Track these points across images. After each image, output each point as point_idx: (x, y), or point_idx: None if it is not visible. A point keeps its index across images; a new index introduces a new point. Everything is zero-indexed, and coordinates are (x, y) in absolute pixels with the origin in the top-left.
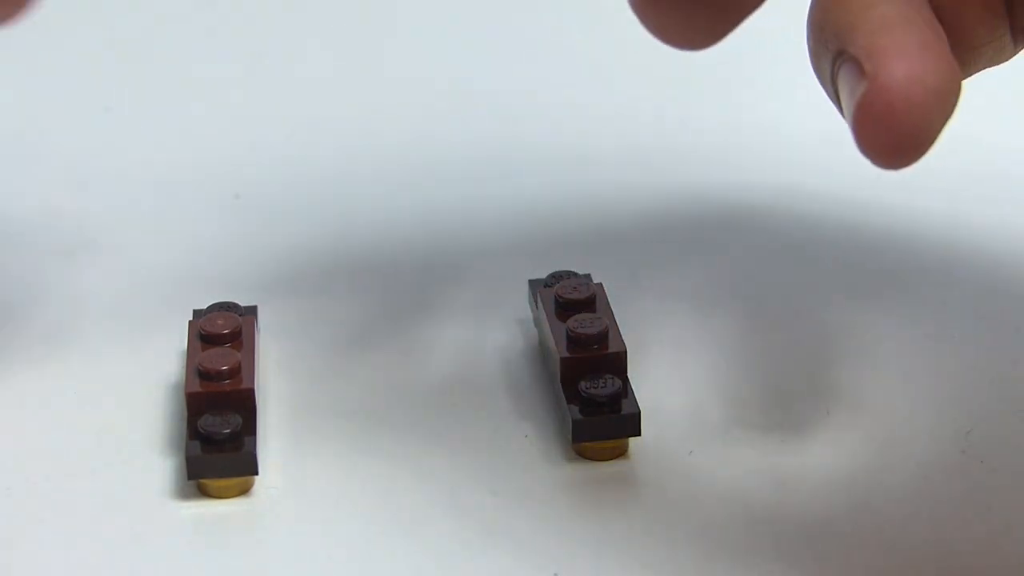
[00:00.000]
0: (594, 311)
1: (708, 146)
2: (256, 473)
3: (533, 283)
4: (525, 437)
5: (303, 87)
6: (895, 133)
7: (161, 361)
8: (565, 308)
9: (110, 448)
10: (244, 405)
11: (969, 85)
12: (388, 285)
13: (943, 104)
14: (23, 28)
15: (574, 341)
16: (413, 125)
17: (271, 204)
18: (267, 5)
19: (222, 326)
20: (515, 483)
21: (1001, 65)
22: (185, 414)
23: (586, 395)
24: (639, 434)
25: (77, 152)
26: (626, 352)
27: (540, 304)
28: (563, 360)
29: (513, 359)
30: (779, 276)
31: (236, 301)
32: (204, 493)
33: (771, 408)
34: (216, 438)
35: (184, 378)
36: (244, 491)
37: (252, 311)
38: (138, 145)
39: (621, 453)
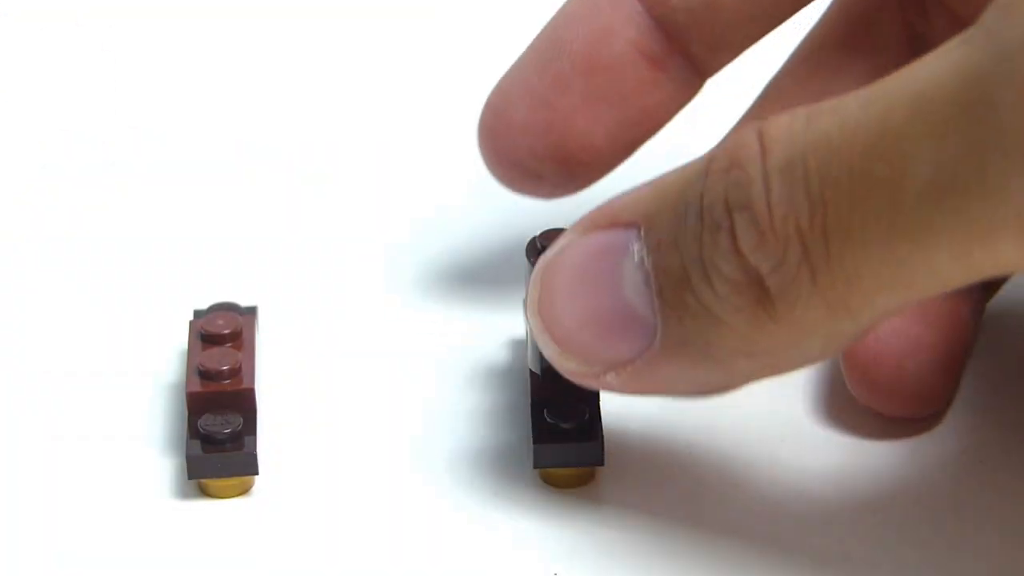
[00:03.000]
0: None
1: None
2: (257, 473)
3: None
4: (527, 436)
5: (303, 87)
6: None
7: (161, 361)
8: None
9: (110, 448)
10: (244, 405)
11: None
12: (389, 285)
13: None
14: (25, 28)
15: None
16: (414, 125)
17: (271, 204)
18: (268, 4)
19: (223, 326)
20: (517, 484)
21: None
22: (185, 414)
23: (551, 422)
24: (602, 463)
25: (77, 152)
26: None
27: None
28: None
29: (517, 357)
30: None
31: (236, 301)
32: (204, 493)
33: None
34: (217, 438)
35: (185, 378)
36: (244, 491)
37: (252, 311)
38: (138, 145)
39: (586, 481)
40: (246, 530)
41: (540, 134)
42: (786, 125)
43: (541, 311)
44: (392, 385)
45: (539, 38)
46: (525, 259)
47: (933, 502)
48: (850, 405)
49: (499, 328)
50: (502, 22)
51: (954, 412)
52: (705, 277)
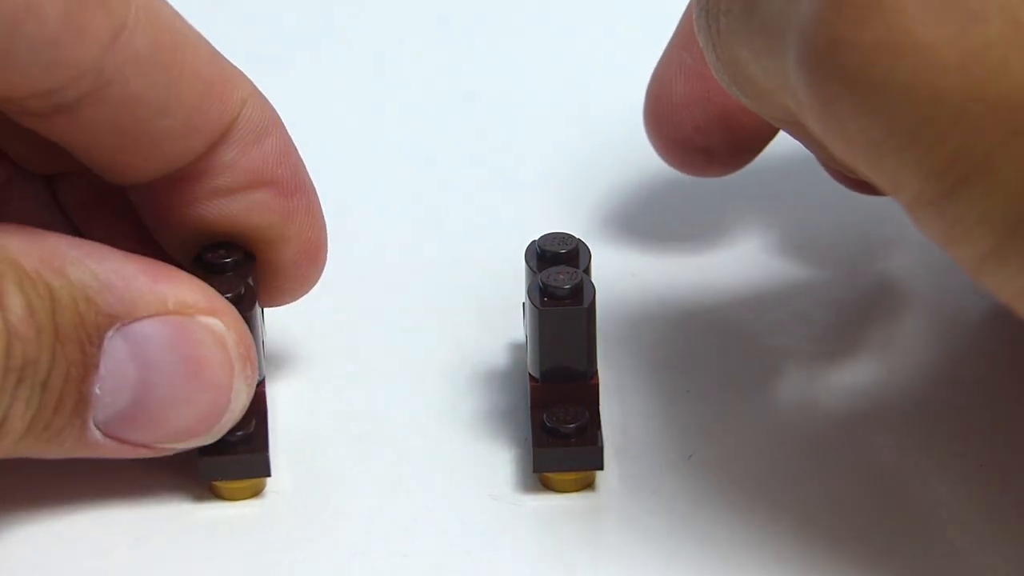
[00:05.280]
0: None
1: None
2: (269, 475)
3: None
4: (526, 439)
5: (302, 87)
6: None
7: None
8: None
9: None
10: (256, 408)
11: None
12: (389, 287)
13: None
14: None
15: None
16: (414, 125)
17: None
18: (267, 5)
19: None
20: (516, 488)
21: None
22: None
23: (550, 426)
24: (601, 467)
25: None
26: (598, 384)
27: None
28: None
29: (517, 360)
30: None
31: None
32: (216, 495)
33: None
34: (230, 440)
35: None
36: (256, 493)
37: None
38: None
39: (586, 485)
40: (257, 532)
41: (700, 105)
42: None
43: None
44: (392, 388)
45: (683, 17)
46: (524, 262)
47: (932, 508)
48: (849, 410)
49: (499, 331)
50: (507, 21)
51: (952, 415)
52: None
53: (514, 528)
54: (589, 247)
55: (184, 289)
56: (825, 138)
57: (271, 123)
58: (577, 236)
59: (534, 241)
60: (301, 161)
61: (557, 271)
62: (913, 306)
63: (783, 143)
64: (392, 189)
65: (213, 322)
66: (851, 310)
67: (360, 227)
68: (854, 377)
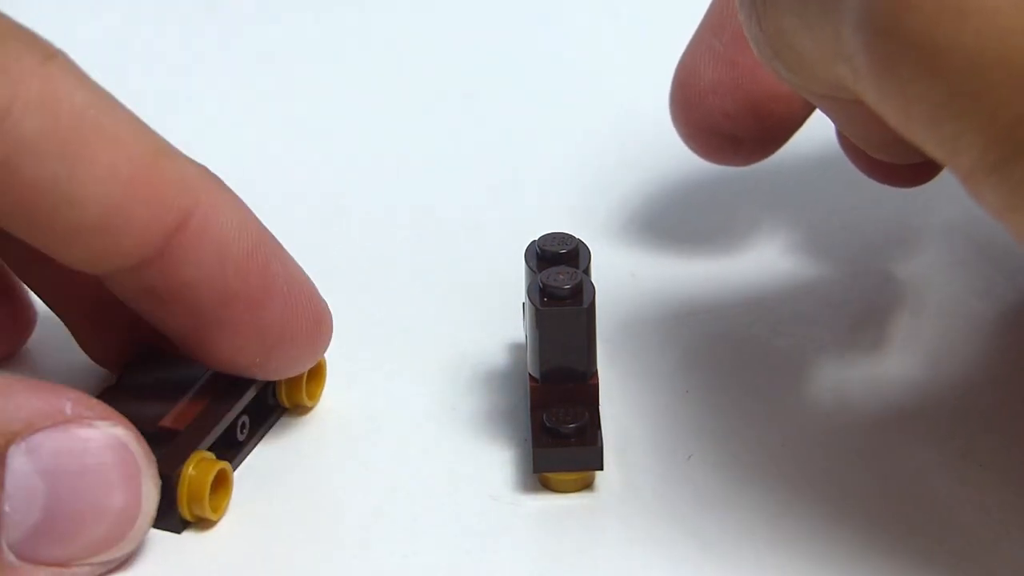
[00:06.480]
0: None
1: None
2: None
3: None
4: (526, 439)
5: (301, 86)
6: None
7: None
8: None
9: None
10: None
11: None
12: (388, 287)
13: None
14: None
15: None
16: (414, 125)
17: (270, 207)
18: (268, 6)
19: None
20: (516, 489)
21: None
22: None
23: (550, 427)
24: (601, 468)
25: None
26: (598, 384)
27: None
28: (534, 388)
29: (516, 361)
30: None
31: None
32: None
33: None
34: None
35: None
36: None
37: None
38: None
39: (585, 485)
40: (258, 533)
41: (729, 92)
42: None
43: None
44: (392, 388)
45: (711, 5)
46: (524, 262)
47: (933, 509)
48: (850, 409)
49: (499, 332)
50: (506, 21)
51: (955, 415)
52: None
53: (514, 528)
54: (589, 247)
55: (78, 399)
56: (881, 104)
57: (229, 233)
58: (577, 236)
59: (534, 241)
60: (268, 258)
61: (557, 271)
62: (915, 307)
63: (785, 144)
64: (392, 189)
65: (112, 426)
66: (853, 311)
67: (360, 227)
68: (855, 378)
